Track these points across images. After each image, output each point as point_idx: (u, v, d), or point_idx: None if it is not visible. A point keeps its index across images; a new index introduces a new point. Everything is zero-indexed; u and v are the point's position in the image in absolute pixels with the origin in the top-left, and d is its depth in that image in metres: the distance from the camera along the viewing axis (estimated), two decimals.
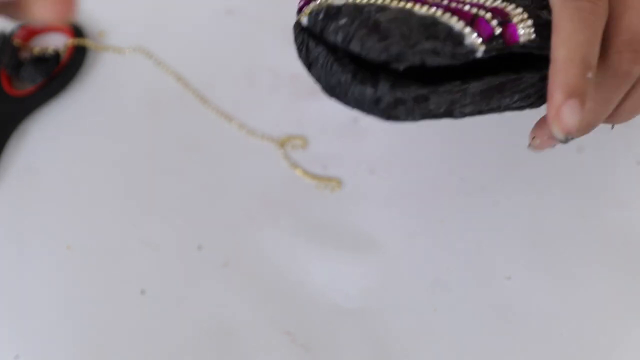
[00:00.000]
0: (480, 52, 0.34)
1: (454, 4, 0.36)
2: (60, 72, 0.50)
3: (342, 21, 0.35)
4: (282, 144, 0.48)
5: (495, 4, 0.36)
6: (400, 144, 0.48)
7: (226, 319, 0.44)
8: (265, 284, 0.45)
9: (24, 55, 0.51)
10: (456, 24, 0.34)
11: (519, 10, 0.36)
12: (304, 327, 0.44)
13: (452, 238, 0.45)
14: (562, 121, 0.34)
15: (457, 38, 0.34)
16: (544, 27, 0.37)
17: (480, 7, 0.36)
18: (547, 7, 0.37)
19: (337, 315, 0.44)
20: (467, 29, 0.34)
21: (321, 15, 0.36)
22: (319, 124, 0.48)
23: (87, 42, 0.51)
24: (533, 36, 0.36)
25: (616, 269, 0.44)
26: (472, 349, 0.43)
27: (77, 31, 0.51)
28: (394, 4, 0.36)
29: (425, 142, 0.48)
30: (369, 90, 0.35)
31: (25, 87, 0.50)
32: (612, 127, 0.38)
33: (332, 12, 0.36)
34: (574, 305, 0.44)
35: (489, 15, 0.35)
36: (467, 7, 0.36)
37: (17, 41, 0.51)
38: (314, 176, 0.48)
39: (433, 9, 0.35)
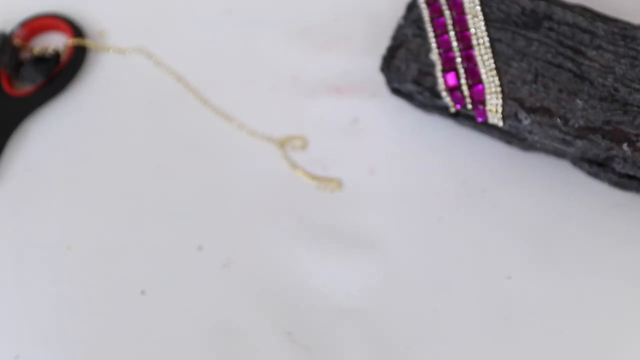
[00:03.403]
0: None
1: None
2: (60, 72, 0.50)
3: None
4: (282, 144, 0.48)
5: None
6: (400, 144, 0.48)
7: (226, 319, 0.44)
8: (265, 284, 0.45)
9: (24, 55, 0.51)
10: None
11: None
12: (304, 327, 0.44)
13: (452, 238, 0.45)
14: None
15: None
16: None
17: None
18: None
19: (337, 315, 0.44)
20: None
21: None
22: (319, 124, 0.48)
23: (87, 42, 0.51)
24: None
25: (616, 268, 0.44)
26: (472, 349, 0.43)
27: (77, 31, 0.51)
28: None
29: (425, 143, 0.48)
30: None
31: (25, 87, 0.50)
32: None
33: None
34: (574, 305, 0.44)
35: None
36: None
37: (17, 41, 0.51)
38: (314, 177, 0.48)
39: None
